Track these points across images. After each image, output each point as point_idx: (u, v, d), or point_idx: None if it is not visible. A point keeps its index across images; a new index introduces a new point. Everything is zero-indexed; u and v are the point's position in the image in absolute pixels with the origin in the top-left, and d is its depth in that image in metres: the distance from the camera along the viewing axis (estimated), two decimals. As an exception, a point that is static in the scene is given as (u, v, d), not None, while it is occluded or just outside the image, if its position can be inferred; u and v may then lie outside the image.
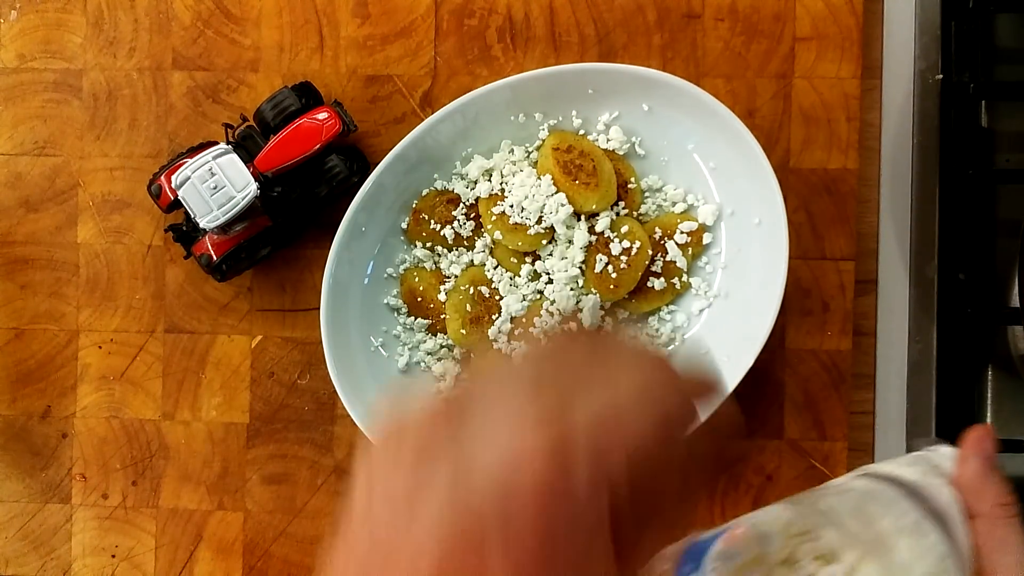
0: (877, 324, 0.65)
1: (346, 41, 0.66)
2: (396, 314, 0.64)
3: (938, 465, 0.42)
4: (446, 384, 0.64)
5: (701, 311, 0.63)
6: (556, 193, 0.61)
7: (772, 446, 0.65)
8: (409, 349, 0.64)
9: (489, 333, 0.62)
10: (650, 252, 0.62)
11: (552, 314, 0.62)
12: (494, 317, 0.62)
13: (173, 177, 0.60)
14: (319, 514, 0.66)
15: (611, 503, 0.29)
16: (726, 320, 0.62)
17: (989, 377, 0.68)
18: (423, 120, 0.61)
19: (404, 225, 0.64)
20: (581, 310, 0.62)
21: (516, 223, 0.61)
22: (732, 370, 0.60)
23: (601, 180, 0.61)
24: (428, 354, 0.64)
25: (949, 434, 0.65)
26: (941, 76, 0.65)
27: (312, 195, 0.63)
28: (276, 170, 0.61)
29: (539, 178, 0.61)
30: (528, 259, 0.63)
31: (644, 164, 0.64)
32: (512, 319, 0.63)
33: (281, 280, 0.66)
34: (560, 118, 0.63)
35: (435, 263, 0.64)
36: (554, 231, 0.61)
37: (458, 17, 0.65)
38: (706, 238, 0.63)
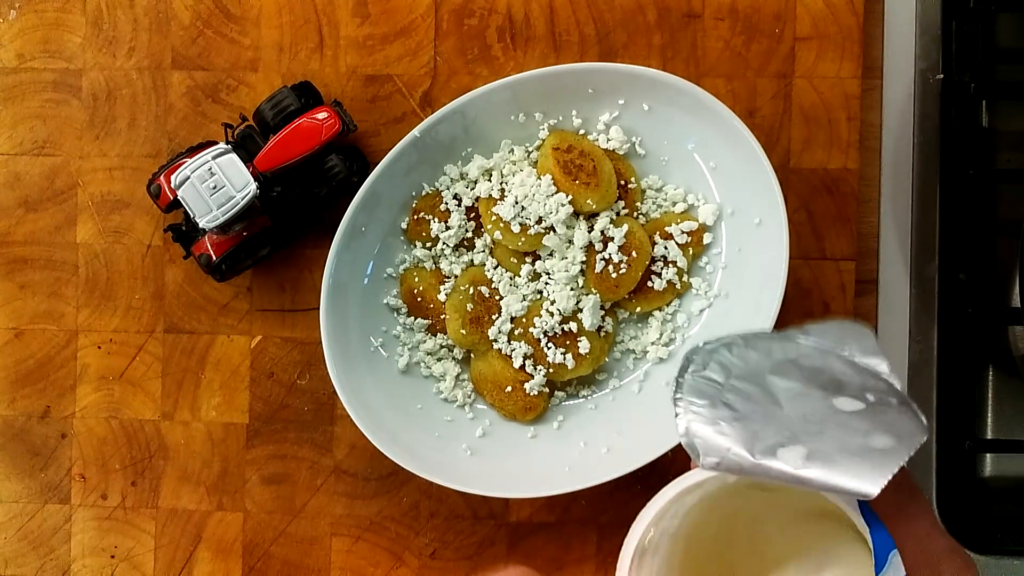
0: (878, 324, 0.65)
1: (346, 41, 0.66)
2: (396, 314, 0.64)
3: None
4: (446, 384, 0.64)
5: (701, 311, 0.63)
6: (556, 193, 0.61)
7: (772, 446, 0.65)
8: (409, 349, 0.64)
9: (489, 333, 0.62)
10: (650, 252, 0.62)
11: (552, 314, 0.62)
12: (494, 317, 0.62)
13: (172, 177, 0.60)
14: (319, 514, 0.66)
15: None
16: (726, 320, 0.62)
17: (990, 377, 0.68)
18: (423, 120, 0.61)
19: (404, 225, 0.64)
20: (581, 310, 0.62)
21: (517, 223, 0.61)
22: (732, 370, 0.60)
23: (601, 180, 0.61)
24: (428, 354, 0.64)
25: (950, 434, 0.65)
26: (942, 76, 0.65)
27: (312, 195, 0.63)
28: (276, 170, 0.61)
29: (539, 178, 0.61)
30: (528, 259, 0.63)
31: (644, 164, 0.64)
32: (512, 319, 0.62)
33: (281, 280, 0.66)
34: (560, 118, 0.63)
35: (435, 263, 0.64)
36: (554, 231, 0.61)
37: (458, 17, 0.65)
38: (706, 238, 0.63)
